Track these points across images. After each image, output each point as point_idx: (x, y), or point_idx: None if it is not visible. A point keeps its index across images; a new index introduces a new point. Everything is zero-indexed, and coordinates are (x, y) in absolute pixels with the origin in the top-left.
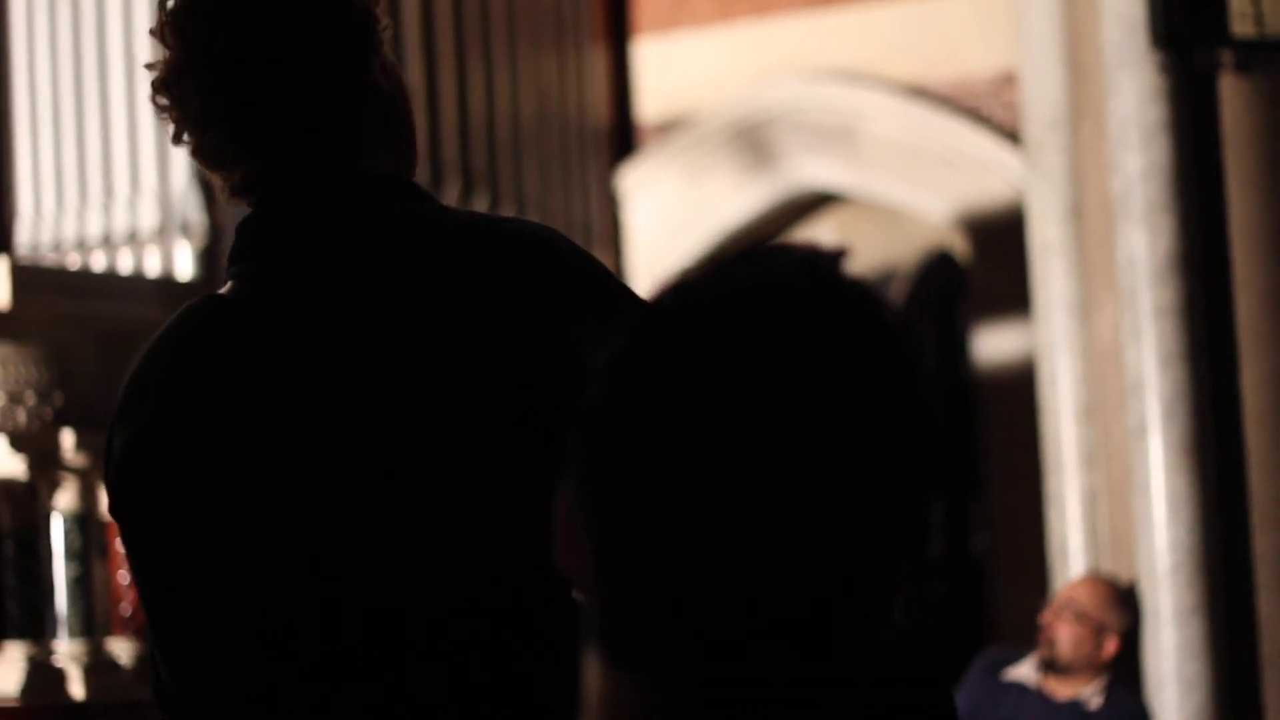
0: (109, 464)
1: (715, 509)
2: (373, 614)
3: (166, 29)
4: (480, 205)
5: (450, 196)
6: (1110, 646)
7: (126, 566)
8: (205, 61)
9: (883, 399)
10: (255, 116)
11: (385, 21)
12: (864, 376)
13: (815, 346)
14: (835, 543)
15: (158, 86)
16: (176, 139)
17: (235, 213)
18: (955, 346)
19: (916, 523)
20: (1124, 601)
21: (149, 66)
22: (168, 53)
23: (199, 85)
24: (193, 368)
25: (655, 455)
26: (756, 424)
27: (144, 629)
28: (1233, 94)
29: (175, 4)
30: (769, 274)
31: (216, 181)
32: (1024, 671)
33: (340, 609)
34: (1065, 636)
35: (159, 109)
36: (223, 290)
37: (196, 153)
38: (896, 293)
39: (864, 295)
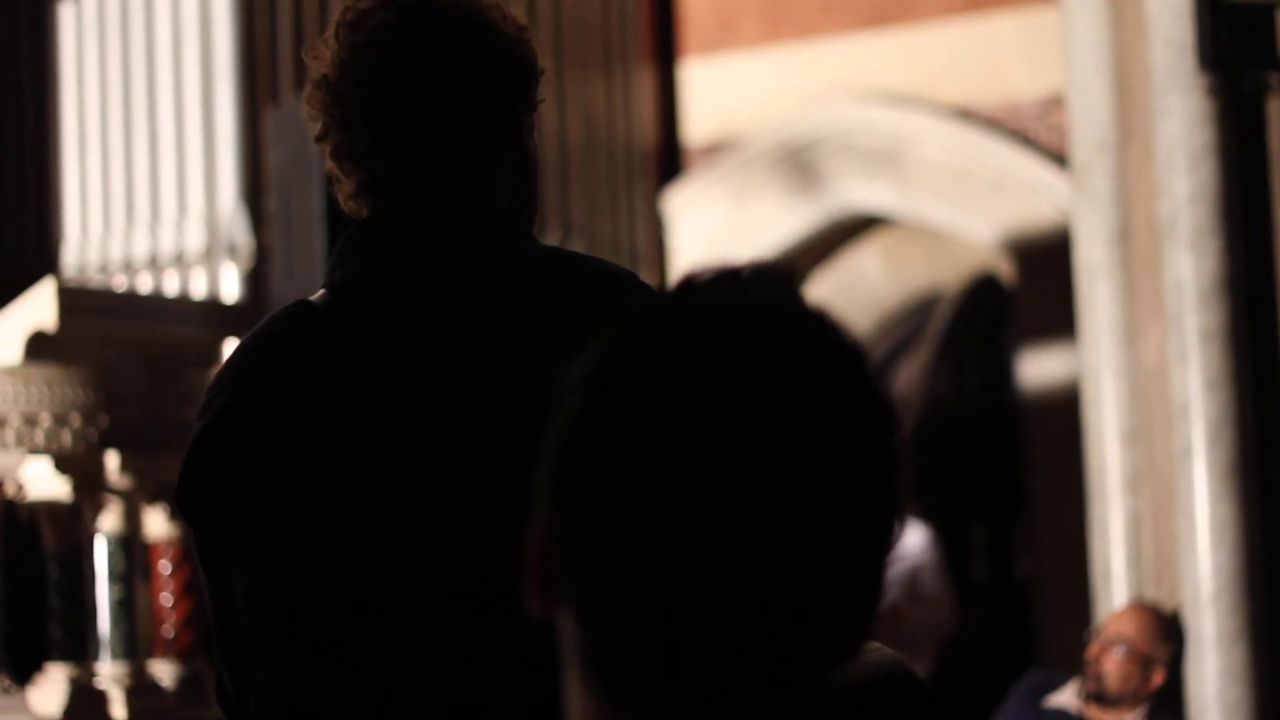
0: (187, 464)
1: (697, 542)
2: (433, 627)
3: (342, 29)
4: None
5: None
6: (1158, 679)
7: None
8: (371, 63)
9: (849, 424)
10: (401, 125)
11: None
12: (830, 402)
13: (784, 374)
14: (817, 569)
15: (318, 81)
16: (321, 137)
17: (282, 236)
18: (1001, 369)
19: (884, 547)
20: (1170, 631)
21: (309, 57)
22: (334, 50)
23: (358, 82)
24: (273, 373)
25: (634, 489)
26: (730, 454)
27: (211, 635)
28: None
29: (354, 9)
30: (731, 300)
31: (344, 189)
32: (1066, 698)
33: (399, 619)
34: (1113, 671)
35: (310, 105)
36: (315, 298)
37: (335, 152)
38: (942, 316)
39: (822, 319)
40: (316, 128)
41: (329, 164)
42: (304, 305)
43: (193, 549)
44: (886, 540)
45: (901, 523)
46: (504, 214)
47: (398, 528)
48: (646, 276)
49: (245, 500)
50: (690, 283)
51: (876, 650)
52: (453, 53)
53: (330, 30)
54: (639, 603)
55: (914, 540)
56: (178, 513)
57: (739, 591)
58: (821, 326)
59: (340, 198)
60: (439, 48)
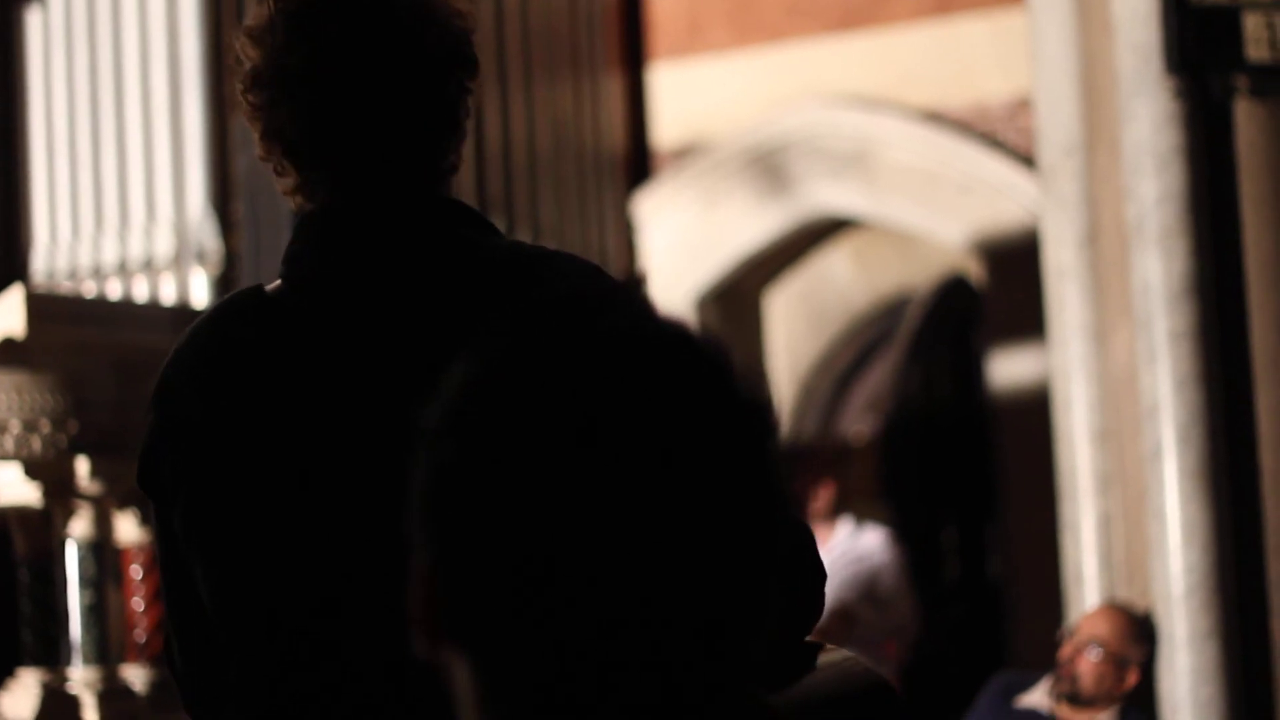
0: (144, 446)
1: (579, 572)
2: (358, 618)
3: (279, 16)
4: (506, 231)
5: None
6: (1132, 679)
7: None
8: (283, 73)
9: (720, 435)
10: (343, 112)
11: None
12: (701, 414)
13: (650, 391)
14: (708, 582)
15: (251, 73)
16: (261, 133)
17: (250, 241)
18: (971, 371)
19: (775, 551)
20: (1143, 632)
21: (237, 63)
22: (248, 61)
23: (273, 97)
24: (219, 358)
25: (507, 524)
26: (604, 479)
27: (164, 609)
28: (1248, 119)
29: (271, 13)
30: (592, 322)
31: (285, 184)
32: (1037, 698)
33: (322, 611)
34: (1088, 672)
35: (245, 97)
36: (270, 287)
37: (265, 158)
38: (912, 318)
39: (682, 331)
40: (255, 126)
41: (258, 152)
42: (256, 293)
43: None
44: (774, 544)
45: (788, 525)
46: (463, 206)
47: (318, 524)
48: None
49: (196, 496)
50: (549, 307)
51: (845, 658)
52: (393, 35)
53: (262, 20)
54: (528, 639)
55: (872, 541)
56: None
57: (630, 616)
58: (684, 339)
59: (283, 190)
60: (378, 30)
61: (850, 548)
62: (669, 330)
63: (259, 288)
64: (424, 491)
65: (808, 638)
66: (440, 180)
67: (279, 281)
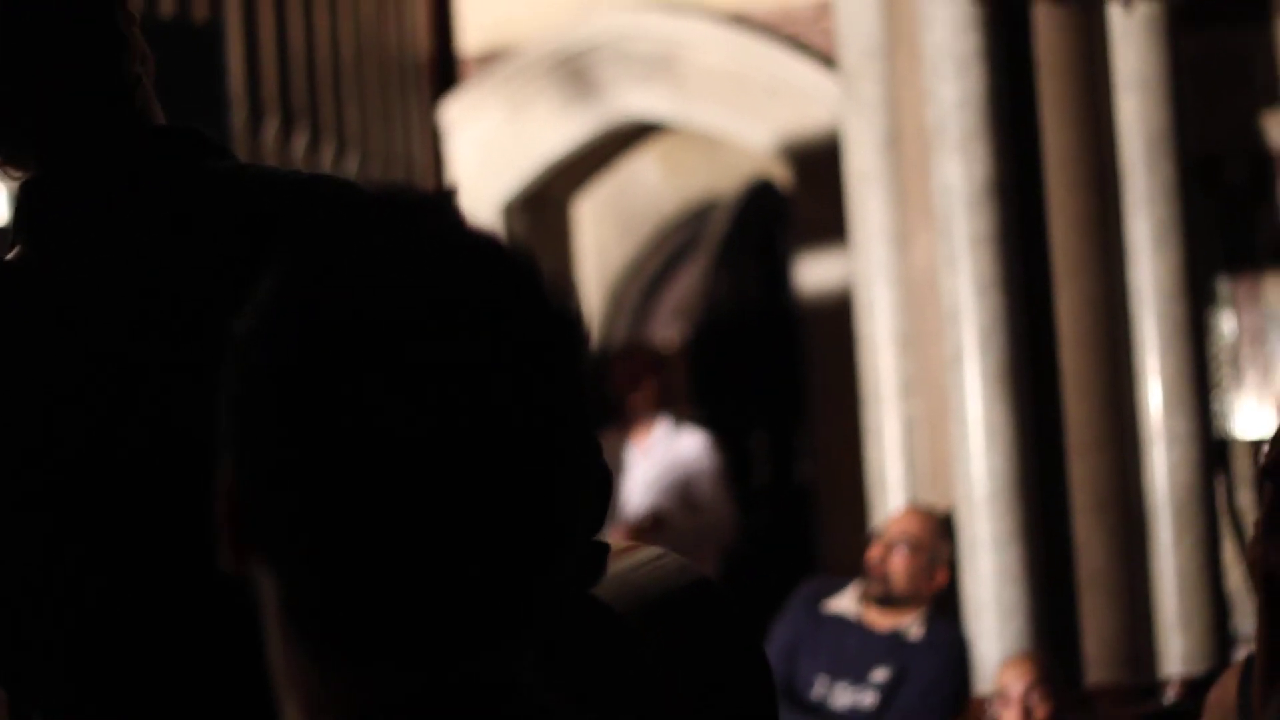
0: None
1: (391, 477)
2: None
3: None
4: (300, 141)
5: (269, 133)
6: (941, 578)
7: None
8: None
9: (530, 343)
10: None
11: None
12: (510, 323)
13: (460, 300)
14: (520, 489)
15: None
16: None
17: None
18: (778, 276)
19: (589, 459)
20: (947, 530)
21: None
22: None
23: None
24: None
25: (319, 430)
26: (414, 384)
27: None
28: (1046, 22)
29: None
30: (401, 229)
31: None
32: (844, 603)
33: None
34: (900, 568)
35: None
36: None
37: None
38: (719, 222)
39: (492, 241)
40: None
41: None
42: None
43: None
44: (587, 455)
45: (595, 435)
46: (193, 133)
47: (57, 485)
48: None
49: None
50: (358, 212)
51: (665, 557)
52: None
53: None
54: (339, 546)
55: (690, 445)
56: None
57: (441, 523)
58: (493, 248)
59: None
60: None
61: (668, 449)
62: (478, 239)
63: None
64: (231, 399)
65: (611, 540)
66: (128, 97)
67: (17, 250)
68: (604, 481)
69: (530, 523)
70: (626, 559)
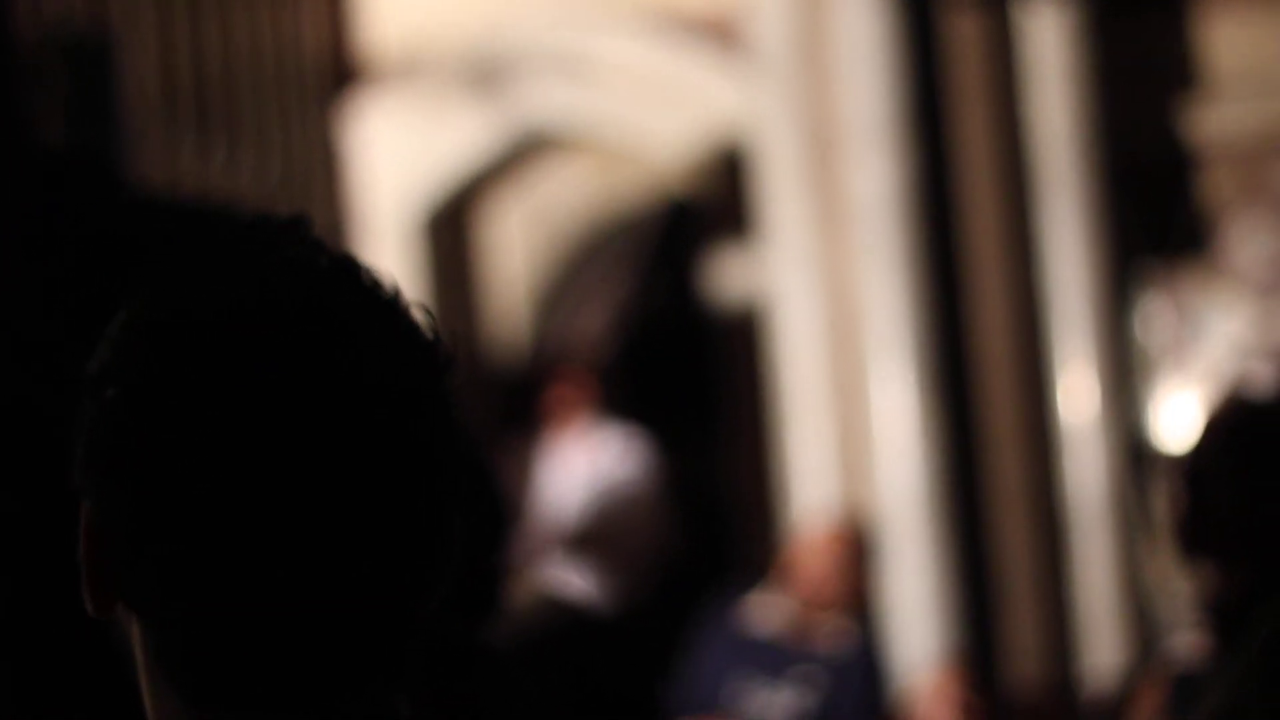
0: None
1: (249, 525)
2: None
3: None
4: (200, 146)
5: (172, 139)
6: (858, 583)
7: None
8: None
9: (391, 374)
10: None
11: None
12: (371, 353)
13: (319, 331)
14: (382, 521)
15: None
16: None
17: None
18: (691, 281)
19: (454, 490)
20: (867, 536)
21: None
22: None
23: None
24: None
25: (175, 479)
26: (271, 425)
27: None
28: (961, 19)
29: None
30: (258, 260)
31: None
32: (761, 615)
33: None
34: (816, 576)
35: None
36: None
37: None
38: (636, 229)
39: (353, 266)
40: None
41: None
42: None
43: None
44: (462, 480)
45: (464, 458)
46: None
47: None
48: (325, 193)
49: None
50: (213, 244)
51: (540, 593)
52: None
53: None
54: (205, 600)
55: (622, 456)
56: None
57: (306, 565)
58: (352, 275)
59: None
60: None
61: (596, 459)
62: (334, 265)
63: None
64: (91, 441)
65: (510, 565)
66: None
67: None
68: (494, 509)
69: (397, 559)
70: (517, 588)
